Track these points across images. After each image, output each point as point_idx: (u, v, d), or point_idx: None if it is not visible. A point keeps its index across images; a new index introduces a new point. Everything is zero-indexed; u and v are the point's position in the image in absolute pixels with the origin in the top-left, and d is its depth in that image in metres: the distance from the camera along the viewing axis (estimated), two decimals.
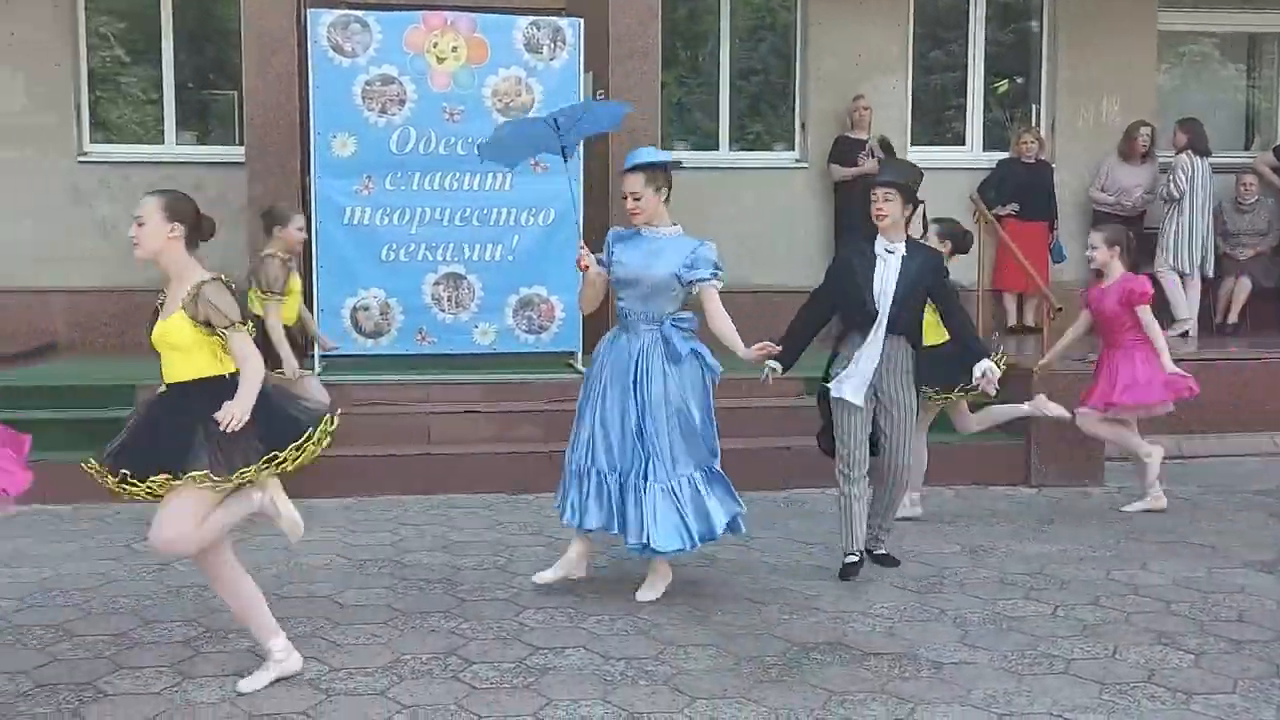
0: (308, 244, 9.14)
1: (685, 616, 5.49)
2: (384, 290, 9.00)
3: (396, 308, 9.00)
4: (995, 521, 7.37)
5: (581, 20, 9.19)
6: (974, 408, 7.50)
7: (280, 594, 5.74)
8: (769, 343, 5.64)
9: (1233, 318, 11.28)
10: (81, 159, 10.44)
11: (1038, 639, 5.22)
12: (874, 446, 6.09)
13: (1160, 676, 4.80)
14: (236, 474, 4.33)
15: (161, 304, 4.51)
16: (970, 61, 11.95)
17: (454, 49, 8.90)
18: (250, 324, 4.50)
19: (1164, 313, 11.02)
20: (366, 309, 8.99)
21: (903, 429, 6.08)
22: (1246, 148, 12.51)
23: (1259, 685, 4.71)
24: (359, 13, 8.93)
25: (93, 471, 4.43)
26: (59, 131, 10.36)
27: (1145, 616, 5.55)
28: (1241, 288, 11.25)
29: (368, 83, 8.81)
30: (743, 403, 7.63)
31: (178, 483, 4.29)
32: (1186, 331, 10.88)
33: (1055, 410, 7.50)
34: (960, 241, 7.13)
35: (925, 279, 6.00)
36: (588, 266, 5.80)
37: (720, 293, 5.74)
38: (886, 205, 5.96)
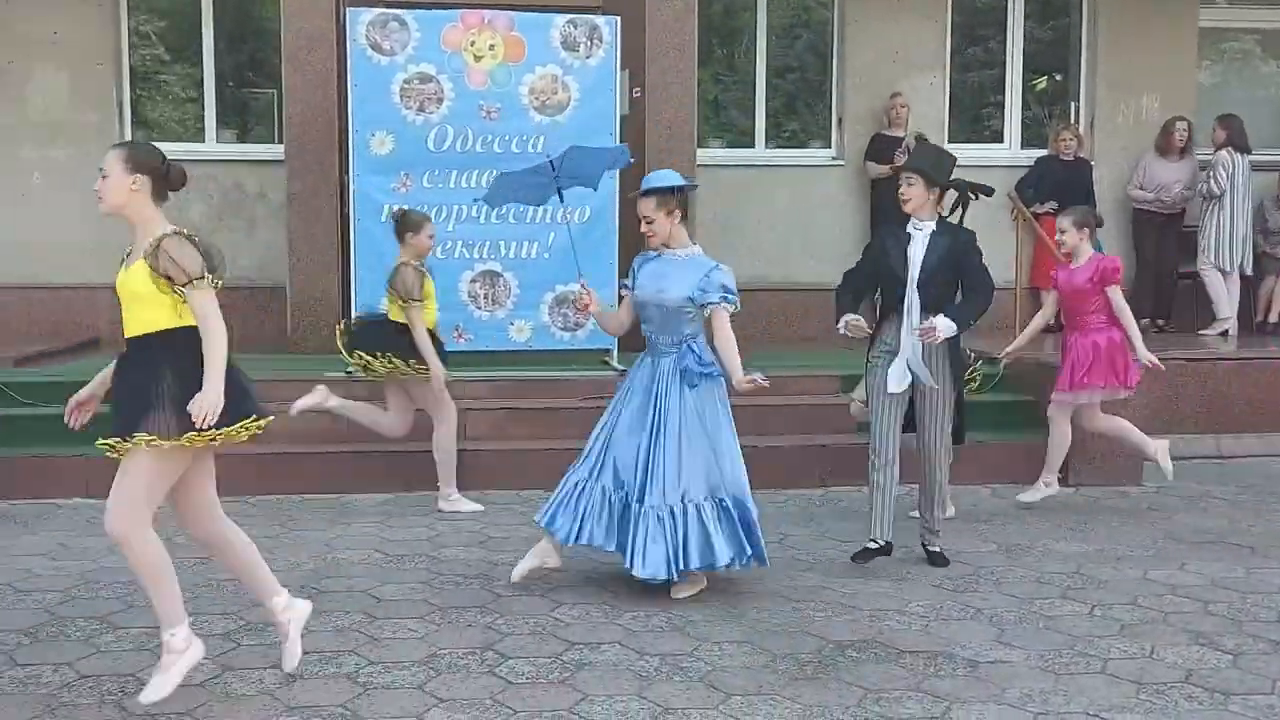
0: (345, 241, 9.25)
1: (720, 613, 5.50)
2: None
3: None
4: (1032, 520, 7.33)
5: (618, 18, 9.21)
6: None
7: (319, 588, 5.79)
8: (759, 378, 5.57)
9: (1273, 316, 11.18)
10: None
11: (1074, 638, 5.20)
12: (909, 426, 6.17)
13: (1198, 677, 4.77)
14: (185, 437, 4.15)
15: (128, 255, 4.36)
16: (1009, 58, 11.90)
17: (491, 47, 8.94)
18: (213, 279, 4.23)
19: (1205, 311, 10.98)
20: None
21: (939, 414, 6.12)
22: None
23: None
24: (397, 11, 8.98)
25: (107, 448, 4.26)
26: (101, 129, 10.48)
27: (1183, 616, 5.52)
28: None
29: (406, 81, 8.86)
30: (780, 400, 7.62)
31: (128, 445, 4.16)
32: (1226, 330, 10.79)
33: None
34: None
35: (955, 254, 6.01)
36: (587, 305, 6.01)
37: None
38: (909, 190, 6.06)
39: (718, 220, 10.77)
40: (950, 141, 11.41)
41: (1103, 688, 4.65)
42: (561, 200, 6.72)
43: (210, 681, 4.63)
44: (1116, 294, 7.31)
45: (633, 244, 5.97)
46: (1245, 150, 10.85)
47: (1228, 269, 10.89)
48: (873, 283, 6.28)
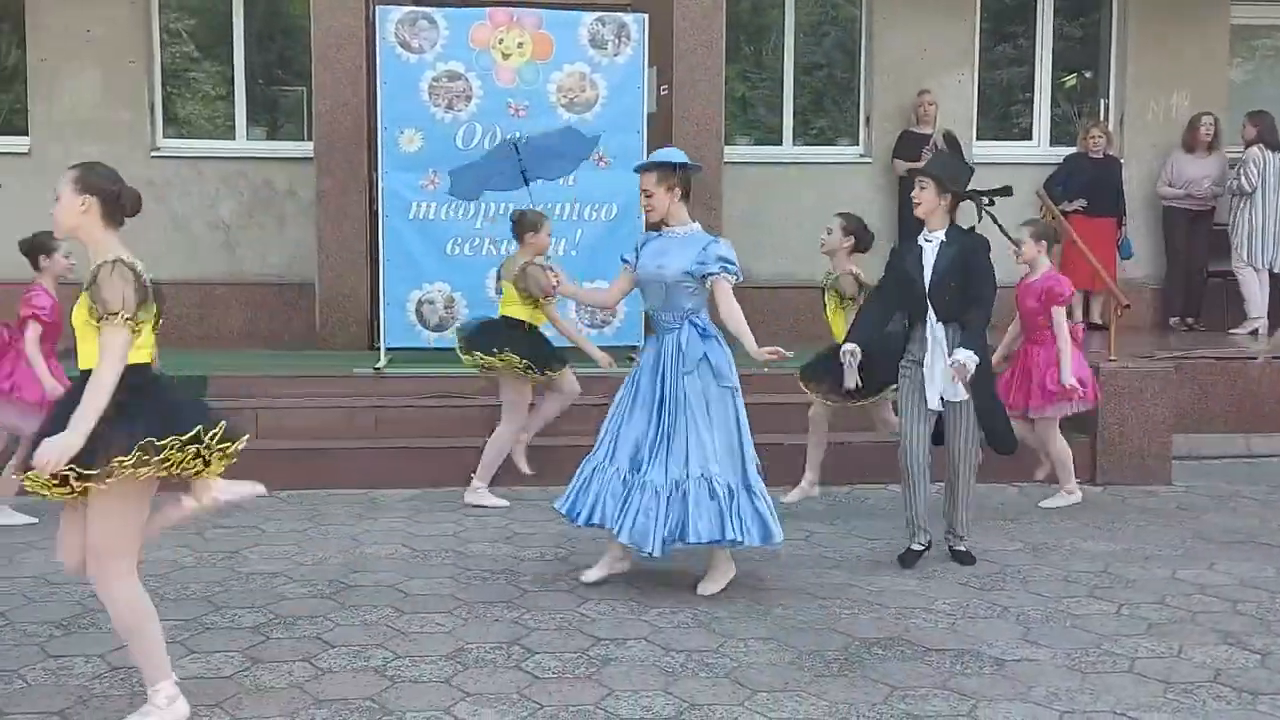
0: (374, 237, 9.30)
1: (746, 610, 5.51)
2: (448, 284, 9.12)
3: (460, 301, 9.10)
4: (1059, 519, 7.31)
5: (646, 15, 9.22)
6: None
7: (346, 582, 5.83)
8: (780, 348, 5.59)
9: None
10: (155, 154, 10.62)
11: (1101, 637, 5.19)
12: (938, 437, 6.23)
13: (1226, 676, 4.75)
14: (111, 466, 3.81)
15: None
16: (1037, 55, 11.84)
17: (519, 45, 8.97)
18: (133, 321, 3.90)
19: (1235, 309, 10.90)
20: (431, 302, 9.11)
21: (965, 419, 6.16)
22: None
23: None
24: (426, 9, 9.03)
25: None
26: (134, 127, 10.55)
27: (1211, 616, 5.49)
28: None
29: (434, 78, 8.91)
30: (805, 398, 7.60)
31: (85, 483, 3.84)
32: (1257, 329, 10.71)
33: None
34: (862, 237, 7.22)
35: (961, 260, 6.03)
36: (556, 284, 6.32)
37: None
38: (921, 194, 6.13)
39: (745, 217, 10.75)
40: (979, 139, 11.39)
41: (1130, 687, 4.64)
42: (528, 185, 6.66)
43: (239, 674, 4.67)
44: (1060, 314, 7.33)
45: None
46: (1276, 147, 10.75)
47: (1259, 267, 10.82)
48: (895, 300, 6.28)
